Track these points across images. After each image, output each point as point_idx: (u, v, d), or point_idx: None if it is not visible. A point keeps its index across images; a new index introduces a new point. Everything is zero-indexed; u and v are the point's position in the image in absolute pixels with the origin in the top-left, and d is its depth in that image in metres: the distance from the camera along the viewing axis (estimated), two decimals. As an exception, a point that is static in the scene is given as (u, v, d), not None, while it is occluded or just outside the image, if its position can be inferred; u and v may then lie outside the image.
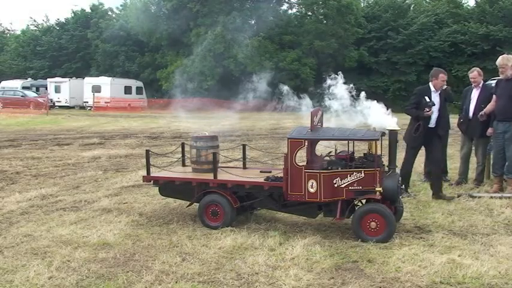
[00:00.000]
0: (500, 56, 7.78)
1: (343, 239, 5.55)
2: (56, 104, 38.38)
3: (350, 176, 5.51)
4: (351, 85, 6.18)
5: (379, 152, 5.75)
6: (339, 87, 6.16)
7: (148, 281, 4.42)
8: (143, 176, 6.67)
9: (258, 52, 36.09)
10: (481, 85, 8.46)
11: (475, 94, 8.45)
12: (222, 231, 5.81)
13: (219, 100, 36.32)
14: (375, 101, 5.99)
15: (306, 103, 6.63)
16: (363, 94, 6.05)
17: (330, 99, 6.21)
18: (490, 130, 8.12)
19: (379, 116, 5.83)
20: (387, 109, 5.93)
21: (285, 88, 6.93)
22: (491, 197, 7.36)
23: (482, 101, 8.25)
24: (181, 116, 23.30)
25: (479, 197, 7.41)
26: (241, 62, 35.58)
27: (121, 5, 49.62)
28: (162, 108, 34.49)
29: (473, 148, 8.74)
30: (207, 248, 5.26)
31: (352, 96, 6.10)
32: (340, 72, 6.32)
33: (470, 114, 8.41)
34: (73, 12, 49.70)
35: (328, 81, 6.25)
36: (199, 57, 36.45)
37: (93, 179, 9.33)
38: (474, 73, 8.51)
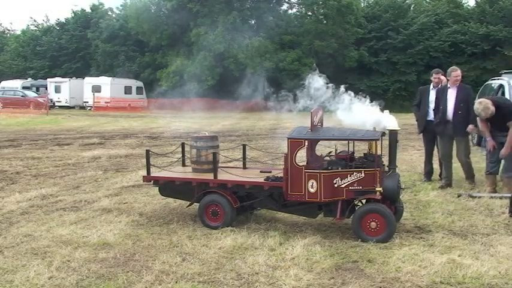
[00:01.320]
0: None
1: (343, 239, 5.55)
2: (56, 104, 38.35)
3: (350, 176, 5.51)
4: (331, 84, 6.21)
5: (379, 152, 5.76)
6: (316, 85, 6.19)
7: (148, 281, 4.42)
8: (143, 176, 6.67)
9: (258, 52, 36.07)
10: (458, 84, 8.28)
11: (452, 94, 8.26)
12: (222, 231, 5.81)
13: (219, 100, 36.37)
14: (352, 95, 6.01)
15: (289, 103, 6.68)
16: (342, 89, 6.08)
17: (306, 98, 6.27)
18: (470, 126, 8.17)
19: (350, 112, 5.89)
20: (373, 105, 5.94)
21: (266, 90, 6.98)
22: (492, 197, 7.36)
23: (461, 101, 8.17)
24: (181, 116, 23.30)
25: (479, 197, 7.41)
26: (242, 62, 35.56)
27: (121, 5, 49.55)
28: (162, 109, 34.51)
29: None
30: (207, 248, 5.26)
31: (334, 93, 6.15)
32: (315, 64, 6.36)
33: (450, 114, 8.22)
34: (73, 12, 49.64)
35: (307, 81, 6.29)
36: (199, 57, 36.45)
37: (93, 179, 9.33)
38: (458, 72, 8.31)
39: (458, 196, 7.54)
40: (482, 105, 7.36)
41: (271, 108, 7.33)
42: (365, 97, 6.03)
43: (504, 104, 7.49)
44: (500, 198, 7.32)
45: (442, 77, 8.89)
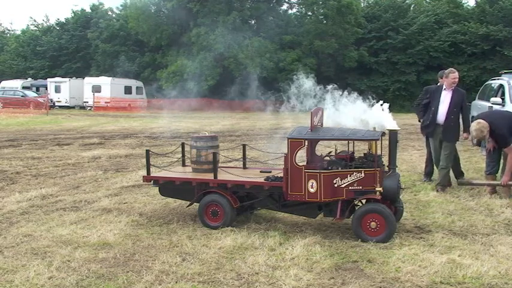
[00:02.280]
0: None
1: (343, 239, 5.55)
2: (56, 104, 38.36)
3: (350, 176, 5.51)
4: (319, 86, 6.26)
5: (379, 152, 5.76)
6: (304, 86, 6.25)
7: (148, 281, 4.42)
8: (143, 176, 6.67)
9: (258, 52, 36.09)
10: (453, 87, 8.03)
11: (446, 96, 8.00)
12: (222, 231, 5.81)
13: (219, 100, 36.36)
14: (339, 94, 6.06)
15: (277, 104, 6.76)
16: (330, 87, 6.11)
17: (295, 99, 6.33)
18: (465, 135, 8.09)
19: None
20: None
21: (254, 91, 7.09)
22: (489, 185, 7.48)
23: (455, 105, 7.95)
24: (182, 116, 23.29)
25: (480, 185, 7.51)
26: (241, 62, 35.58)
27: (121, 5, 49.63)
28: (162, 109, 34.49)
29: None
30: (207, 248, 5.27)
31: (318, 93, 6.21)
32: (300, 65, 6.45)
33: (441, 117, 7.99)
34: (73, 12, 49.66)
35: (295, 82, 6.33)
36: (199, 57, 36.45)
37: (93, 179, 9.33)
38: (456, 74, 8.04)
39: (460, 184, 7.62)
40: (478, 126, 7.28)
41: (259, 109, 7.44)
42: (349, 94, 6.05)
43: (498, 128, 7.34)
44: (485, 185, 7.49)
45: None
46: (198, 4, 38.49)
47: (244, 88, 29.55)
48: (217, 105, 35.91)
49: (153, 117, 28.73)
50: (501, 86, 12.31)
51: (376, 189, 5.40)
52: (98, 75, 41.20)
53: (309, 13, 41.65)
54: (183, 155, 7.13)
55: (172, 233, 5.85)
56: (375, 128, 5.78)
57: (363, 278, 4.45)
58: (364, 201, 5.72)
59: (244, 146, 7.14)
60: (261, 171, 6.59)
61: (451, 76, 8.01)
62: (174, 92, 35.00)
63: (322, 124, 6.21)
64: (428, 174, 8.97)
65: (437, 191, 7.96)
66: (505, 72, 14.46)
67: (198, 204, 6.20)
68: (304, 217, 6.27)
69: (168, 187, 6.53)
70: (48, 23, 53.59)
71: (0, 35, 60.79)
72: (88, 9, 49.77)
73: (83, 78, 39.80)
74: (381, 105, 5.82)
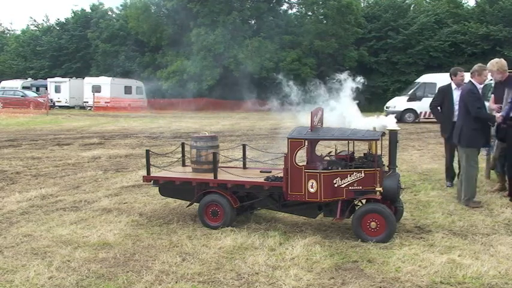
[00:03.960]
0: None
1: (343, 239, 5.55)
2: (56, 104, 38.39)
3: (350, 176, 5.51)
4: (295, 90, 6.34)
5: (379, 152, 5.76)
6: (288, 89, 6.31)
7: (148, 281, 4.42)
8: (143, 176, 6.66)
9: (258, 52, 36.11)
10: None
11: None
12: (222, 231, 5.81)
13: (219, 100, 36.39)
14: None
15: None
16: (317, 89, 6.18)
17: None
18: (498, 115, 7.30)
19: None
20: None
21: (252, 91, 7.21)
22: None
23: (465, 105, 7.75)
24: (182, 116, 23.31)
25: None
26: (241, 62, 35.61)
27: (121, 5, 49.69)
28: (162, 109, 34.52)
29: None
30: (207, 248, 5.26)
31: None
32: (280, 75, 6.57)
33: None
34: (73, 12, 49.74)
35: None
36: (199, 57, 36.48)
37: (93, 179, 9.33)
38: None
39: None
40: (498, 60, 7.46)
41: (256, 109, 7.57)
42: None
43: None
44: None
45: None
46: (198, 4, 38.52)
47: (243, 88, 29.60)
48: (217, 105, 35.94)
49: (153, 117, 28.72)
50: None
51: (376, 189, 5.40)
52: (97, 75, 41.23)
53: (309, 13, 41.72)
54: (183, 155, 7.12)
55: (172, 233, 5.84)
56: (375, 128, 5.78)
57: (363, 278, 4.44)
58: (364, 201, 5.72)
59: (244, 146, 7.13)
60: (261, 171, 6.59)
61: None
62: (174, 92, 35.03)
63: (322, 124, 6.21)
64: (452, 178, 8.40)
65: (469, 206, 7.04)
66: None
67: (198, 204, 6.20)
68: (304, 217, 6.27)
69: (168, 187, 6.53)
70: (48, 23, 53.74)
71: (0, 35, 60.83)
72: (88, 9, 49.89)
73: (83, 78, 39.83)
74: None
